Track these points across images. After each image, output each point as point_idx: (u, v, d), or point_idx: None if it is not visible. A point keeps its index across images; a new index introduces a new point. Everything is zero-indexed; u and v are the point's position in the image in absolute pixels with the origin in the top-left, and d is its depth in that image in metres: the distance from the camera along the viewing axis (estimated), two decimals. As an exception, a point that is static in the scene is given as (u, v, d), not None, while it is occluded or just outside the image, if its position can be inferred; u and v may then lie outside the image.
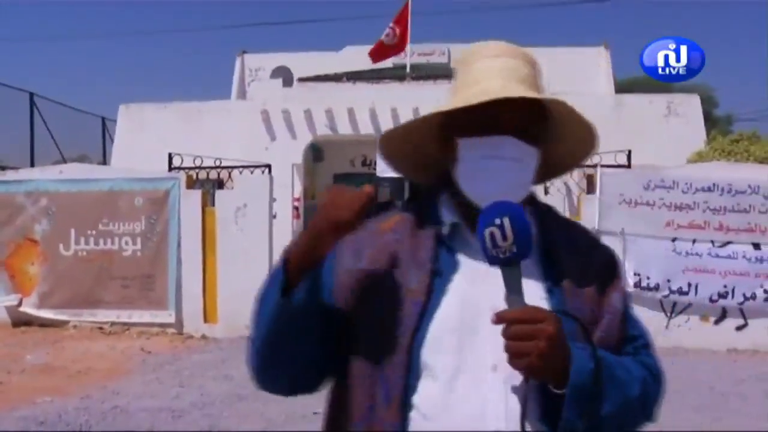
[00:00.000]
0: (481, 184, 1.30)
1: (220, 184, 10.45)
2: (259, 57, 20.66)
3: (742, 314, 8.56)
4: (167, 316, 9.18)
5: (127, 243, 9.33)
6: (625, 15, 72.25)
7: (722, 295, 8.49)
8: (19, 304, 9.55)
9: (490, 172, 1.29)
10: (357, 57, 18.01)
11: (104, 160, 18.40)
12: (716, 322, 8.61)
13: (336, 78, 17.39)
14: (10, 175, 10.23)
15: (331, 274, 1.33)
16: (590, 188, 9.22)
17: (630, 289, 8.46)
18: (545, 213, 1.41)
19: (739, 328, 8.58)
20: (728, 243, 8.50)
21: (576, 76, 17.08)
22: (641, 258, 8.50)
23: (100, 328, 9.32)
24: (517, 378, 1.19)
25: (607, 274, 1.38)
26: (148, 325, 9.26)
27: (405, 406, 1.23)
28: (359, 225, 1.24)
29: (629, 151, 9.14)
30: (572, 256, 1.35)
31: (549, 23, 71.98)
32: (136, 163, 12.28)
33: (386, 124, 13.26)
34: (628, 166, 9.08)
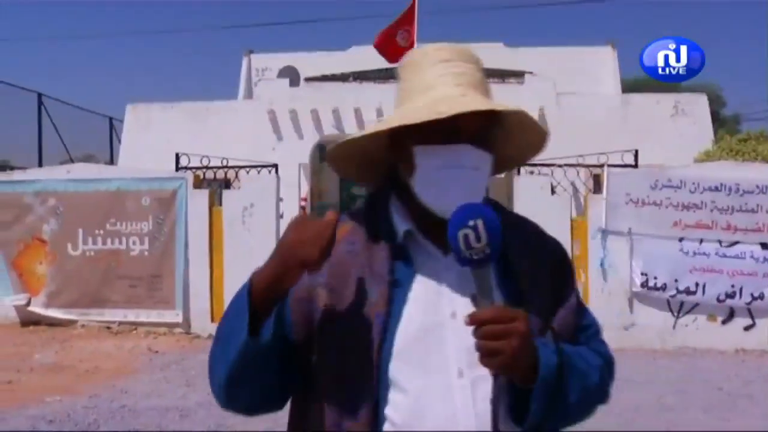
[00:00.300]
0: (440, 193, 1.29)
1: (227, 183, 10.49)
2: (266, 57, 20.64)
3: (750, 314, 8.54)
4: (174, 316, 9.21)
5: (134, 243, 9.37)
6: (632, 14, 72.04)
7: (730, 295, 8.47)
8: (28, 303, 9.61)
9: (449, 181, 1.28)
10: (364, 57, 17.98)
11: (111, 160, 18.45)
12: (724, 322, 8.59)
13: (343, 78, 17.40)
14: (18, 175, 10.28)
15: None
16: (597, 188, 9.22)
17: (637, 289, 8.48)
18: (499, 212, 1.40)
19: (747, 328, 8.56)
20: (736, 243, 8.48)
21: (582, 76, 17.06)
22: (648, 258, 8.49)
23: (108, 328, 9.36)
24: (483, 381, 1.23)
25: (560, 268, 1.42)
26: (156, 325, 9.30)
27: (376, 419, 1.24)
28: (325, 260, 1.22)
29: (636, 151, 9.12)
30: (526, 253, 1.36)
31: (554, 23, 71.80)
32: (143, 162, 12.32)
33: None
34: (635, 165, 9.05)
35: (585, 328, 1.43)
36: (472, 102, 1.27)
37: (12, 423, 5.75)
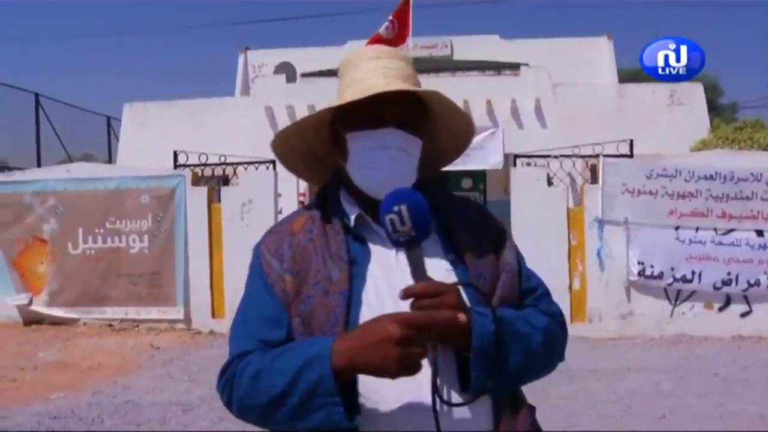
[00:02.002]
0: (370, 173, 1.43)
1: (225, 180, 10.52)
2: (262, 53, 20.66)
3: (747, 301, 8.61)
4: (175, 312, 9.28)
5: (134, 240, 9.43)
6: (628, 6, 71.92)
7: (726, 283, 8.54)
8: (30, 302, 9.68)
9: (377, 161, 1.41)
10: (361, 51, 17.97)
11: (110, 159, 18.48)
12: (720, 310, 8.66)
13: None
14: (17, 175, 10.35)
15: (265, 280, 1.43)
16: (594, 178, 9.27)
17: (634, 278, 8.54)
18: (437, 193, 1.53)
19: (743, 315, 8.63)
20: (731, 230, 8.55)
21: (579, 66, 17.08)
22: (645, 247, 8.55)
23: (110, 325, 9.44)
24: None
25: (499, 238, 1.53)
26: (157, 322, 9.37)
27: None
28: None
29: (631, 141, 9.16)
30: (467, 228, 1.49)
31: (551, 14, 71.68)
32: (142, 161, 12.33)
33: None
34: (631, 155, 9.10)
35: (531, 290, 1.51)
36: (387, 86, 1.39)
37: (17, 420, 5.81)
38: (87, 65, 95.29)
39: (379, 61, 1.48)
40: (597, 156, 8.92)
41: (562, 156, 9.36)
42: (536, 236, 8.72)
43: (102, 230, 9.48)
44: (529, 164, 9.73)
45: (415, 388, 1.28)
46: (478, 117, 13.88)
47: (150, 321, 9.38)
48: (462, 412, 1.32)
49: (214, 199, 9.56)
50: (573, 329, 8.67)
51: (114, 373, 7.38)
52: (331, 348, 1.26)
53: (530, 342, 1.37)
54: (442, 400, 1.28)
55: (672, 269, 8.56)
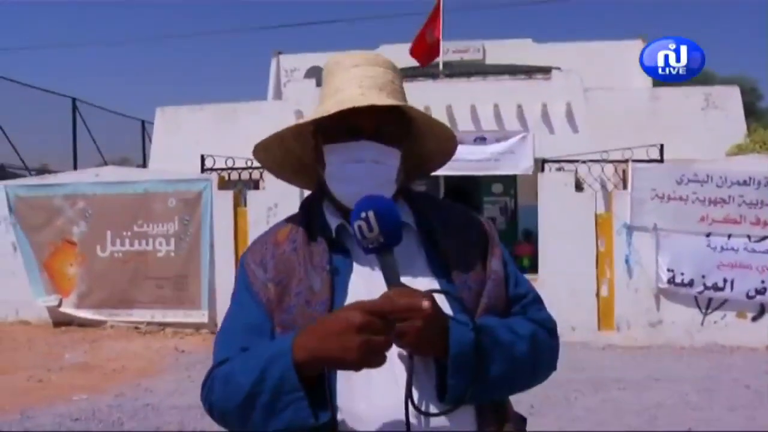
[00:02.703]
0: (345, 186, 1.41)
1: (255, 184, 10.56)
2: (294, 57, 20.75)
3: (781, 311, 8.37)
4: (200, 316, 9.32)
5: (161, 244, 9.51)
6: (664, 6, 70.90)
7: (760, 291, 8.30)
8: (59, 304, 9.81)
9: (351, 174, 1.39)
10: (392, 55, 17.27)
11: (144, 163, 18.72)
12: (754, 319, 8.42)
13: (369, 77, 17.35)
14: (49, 178, 10.52)
15: (250, 289, 1.43)
16: (625, 184, 9.10)
17: (664, 285, 8.35)
18: (421, 201, 1.52)
19: (777, 325, 8.38)
20: (765, 237, 8.31)
21: (613, 70, 16.85)
22: (675, 254, 8.36)
23: (137, 328, 9.52)
24: (416, 361, 1.27)
25: (484, 245, 1.49)
26: (183, 325, 9.42)
27: (325, 399, 1.29)
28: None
29: (661, 146, 8.99)
30: (451, 235, 1.46)
31: (584, 17, 70.95)
32: (173, 164, 12.44)
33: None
34: (661, 160, 8.91)
35: (520, 297, 1.47)
36: (357, 99, 1.37)
37: (39, 420, 5.88)
38: (124, 70, 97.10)
39: (356, 69, 1.45)
40: (626, 161, 8.75)
41: (590, 161, 9.22)
42: (564, 242, 8.63)
43: (129, 233, 9.57)
44: (560, 169, 9.60)
45: (392, 397, 1.26)
46: (509, 121, 13.77)
47: (176, 324, 9.43)
48: (442, 423, 1.28)
49: (240, 203, 9.60)
50: (601, 337, 8.54)
51: (137, 375, 7.43)
52: (293, 342, 1.24)
53: (513, 350, 1.33)
54: (416, 409, 1.24)
55: (703, 277, 8.35)
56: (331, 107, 1.37)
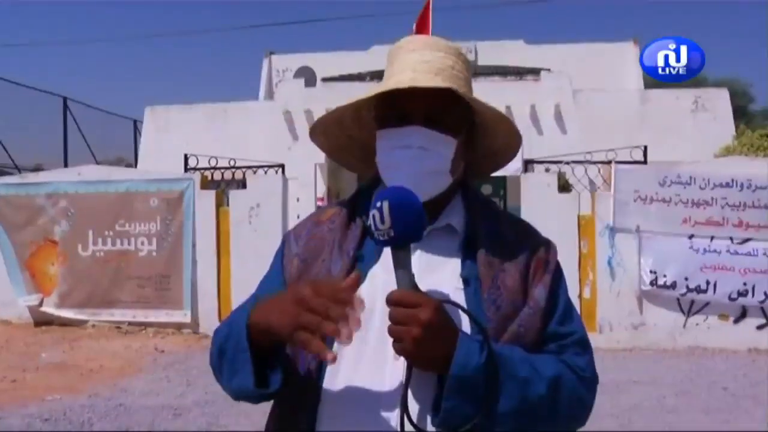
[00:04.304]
0: (393, 173, 1.35)
1: (243, 184, 10.52)
2: (286, 57, 20.72)
3: (764, 313, 8.31)
4: (182, 316, 9.27)
5: (143, 243, 9.45)
6: (657, 8, 70.96)
7: (742, 294, 8.25)
8: (40, 303, 9.75)
9: (398, 160, 1.34)
10: (385, 56, 17.92)
11: (136, 163, 18.69)
12: (736, 321, 8.37)
13: (360, 77, 17.37)
14: (30, 177, 10.46)
15: (281, 261, 1.44)
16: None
17: (646, 287, 8.31)
18: (478, 205, 1.43)
19: (759, 327, 8.33)
20: (748, 240, 8.26)
21: (604, 72, 16.84)
22: (657, 256, 8.31)
23: (118, 328, 9.46)
24: (419, 370, 1.20)
25: (534, 268, 1.37)
26: (164, 325, 9.36)
27: (317, 388, 1.27)
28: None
29: (645, 147, 8.94)
30: (497, 249, 1.35)
31: (576, 18, 71.06)
32: (163, 164, 12.40)
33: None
34: (645, 161, 8.87)
35: (560, 336, 1.34)
36: (413, 82, 1.31)
37: (9, 421, 5.84)
38: (116, 69, 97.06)
39: (413, 54, 1.40)
40: (609, 162, 8.72)
41: (573, 162, 9.18)
42: (546, 243, 8.57)
43: (111, 233, 9.51)
44: (547, 170, 9.56)
45: (384, 405, 1.22)
46: (498, 122, 13.73)
47: (157, 324, 9.37)
48: None
49: (222, 202, 9.55)
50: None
51: (114, 375, 7.37)
52: (255, 304, 1.26)
53: (527, 389, 1.21)
54: (411, 423, 1.17)
55: (686, 279, 8.29)
56: (375, 90, 1.36)
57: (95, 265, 9.55)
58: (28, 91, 16.49)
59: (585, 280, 8.63)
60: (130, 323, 9.44)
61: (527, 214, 8.83)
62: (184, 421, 5.86)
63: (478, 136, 1.44)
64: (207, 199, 9.38)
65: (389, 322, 1.16)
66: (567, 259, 8.54)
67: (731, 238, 8.28)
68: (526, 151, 12.23)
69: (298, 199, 12.82)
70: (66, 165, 15.52)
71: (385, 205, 1.18)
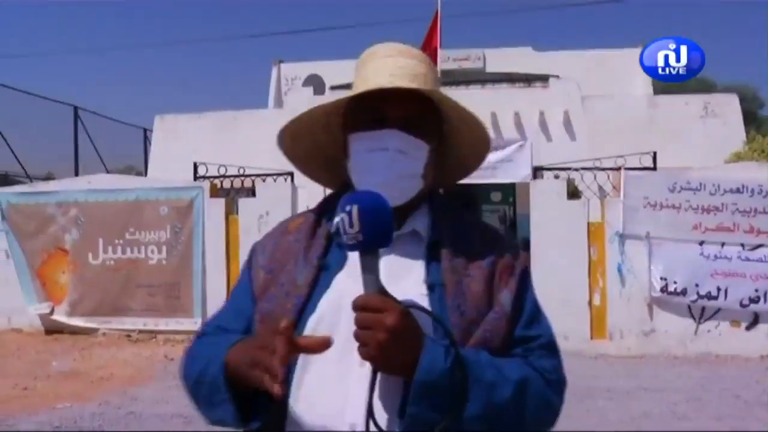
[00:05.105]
0: (367, 177, 1.34)
1: (253, 192, 10.54)
2: (295, 66, 20.81)
3: (776, 320, 8.27)
4: (192, 324, 9.25)
5: (152, 251, 9.49)
6: (665, 14, 70.83)
7: (754, 300, 8.20)
8: (51, 312, 9.80)
9: (374, 163, 1.33)
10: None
11: (145, 171, 18.77)
12: (748, 328, 8.31)
13: (368, 85, 17.37)
14: (41, 186, 10.52)
15: (249, 274, 1.45)
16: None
17: (656, 294, 8.27)
18: (443, 210, 1.43)
19: (772, 334, 8.28)
20: (759, 246, 8.21)
21: (613, 78, 16.82)
22: (668, 262, 8.27)
23: (128, 336, 9.48)
24: (385, 375, 1.19)
25: (500, 273, 1.36)
26: (174, 333, 9.37)
27: (284, 396, 1.24)
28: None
29: (654, 153, 8.91)
30: (462, 254, 1.35)
31: (584, 24, 71.03)
32: (172, 172, 12.45)
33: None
34: (654, 168, 8.84)
35: (527, 339, 1.34)
36: (388, 83, 1.33)
37: (20, 428, 5.86)
38: (125, 78, 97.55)
39: (388, 59, 1.40)
40: (618, 169, 8.69)
41: (583, 169, 9.16)
42: (556, 250, 8.56)
43: (121, 241, 9.56)
44: (557, 177, 9.55)
45: (349, 412, 1.22)
46: (507, 129, 13.74)
47: (167, 332, 9.40)
48: None
49: (232, 210, 9.58)
50: (593, 346, 8.46)
51: (124, 383, 7.39)
52: (230, 347, 1.25)
53: (493, 393, 1.21)
54: (377, 427, 1.17)
55: (696, 285, 8.25)
56: (357, 90, 1.35)
57: (105, 274, 9.59)
58: (39, 100, 16.67)
59: (595, 287, 8.59)
60: (140, 331, 9.47)
61: (536, 222, 8.84)
62: (194, 429, 5.85)
63: (446, 144, 1.45)
64: (216, 207, 9.41)
65: (355, 328, 1.16)
66: (576, 265, 8.53)
67: (742, 245, 8.23)
68: (534, 158, 12.27)
69: (307, 207, 12.82)
70: (77, 174, 15.62)
71: (355, 209, 1.16)
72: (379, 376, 1.18)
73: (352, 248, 1.18)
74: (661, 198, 8.34)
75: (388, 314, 1.13)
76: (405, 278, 1.30)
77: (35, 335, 9.77)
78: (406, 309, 1.17)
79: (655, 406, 6.31)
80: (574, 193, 9.25)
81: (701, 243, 8.28)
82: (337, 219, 1.18)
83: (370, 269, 1.17)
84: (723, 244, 8.25)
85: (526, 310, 1.35)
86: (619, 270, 8.44)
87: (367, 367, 1.18)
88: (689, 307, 8.34)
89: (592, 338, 8.55)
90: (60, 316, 9.76)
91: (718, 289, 8.23)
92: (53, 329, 9.83)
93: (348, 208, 1.16)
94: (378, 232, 1.17)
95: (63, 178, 12.22)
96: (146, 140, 20.18)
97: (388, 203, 1.19)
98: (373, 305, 1.14)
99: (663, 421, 5.90)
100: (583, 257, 8.59)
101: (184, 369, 1.38)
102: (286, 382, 1.22)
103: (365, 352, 1.14)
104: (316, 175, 1.58)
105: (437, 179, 1.47)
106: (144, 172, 18.28)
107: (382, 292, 1.17)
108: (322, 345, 1.15)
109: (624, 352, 8.37)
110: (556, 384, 1.33)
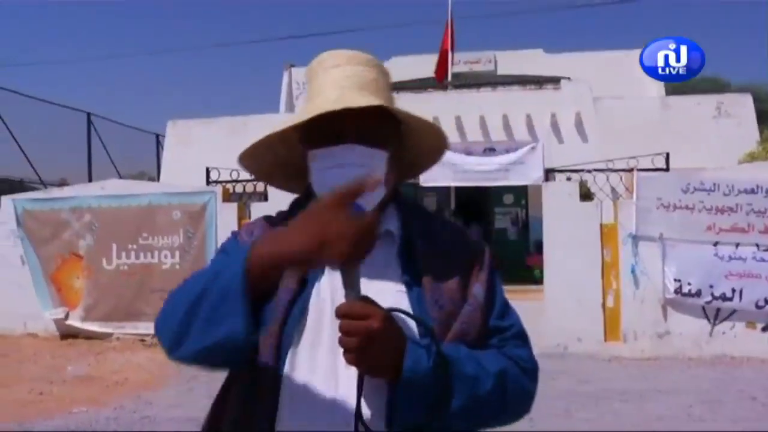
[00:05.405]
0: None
1: (265, 196, 10.57)
2: (306, 70, 20.83)
3: (792, 321, 8.20)
4: (205, 328, 9.30)
5: (166, 256, 9.54)
6: (676, 15, 70.50)
7: (769, 301, 8.15)
8: (66, 317, 9.86)
9: (334, 180, 1.28)
10: (404, 67, 17.98)
11: (158, 176, 18.86)
12: (764, 329, 8.26)
13: (380, 89, 17.40)
14: (55, 192, 10.58)
15: (239, 246, 1.40)
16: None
17: (671, 295, 8.23)
18: (411, 210, 1.45)
19: (788, 336, 8.21)
20: (774, 246, 8.16)
21: (625, 79, 16.73)
22: (681, 263, 8.23)
23: (142, 340, 9.53)
24: (371, 377, 1.21)
25: (470, 267, 1.40)
26: (188, 337, 9.39)
27: (274, 394, 1.26)
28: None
29: (667, 154, 8.88)
30: (433, 251, 1.38)
31: (595, 26, 70.80)
32: (184, 178, 12.48)
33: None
34: (667, 169, 8.80)
35: (501, 330, 1.38)
36: (335, 102, 1.31)
37: (36, 433, 5.90)
38: (138, 84, 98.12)
39: (336, 70, 1.39)
40: (631, 170, 8.66)
41: (595, 170, 9.14)
42: (569, 252, 8.54)
43: (135, 246, 9.62)
44: (569, 179, 9.53)
45: (339, 416, 1.21)
46: (519, 132, 13.71)
47: (181, 336, 9.41)
48: None
49: (244, 215, 9.61)
50: (607, 348, 8.42)
51: (139, 388, 7.43)
52: (251, 247, 1.16)
53: (476, 386, 1.25)
54: (367, 430, 1.18)
55: (710, 287, 8.21)
56: (305, 113, 1.33)
57: (119, 279, 9.65)
58: (52, 107, 16.77)
59: (608, 289, 8.56)
60: (154, 336, 9.43)
61: (549, 224, 8.82)
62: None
63: (404, 143, 1.45)
64: (229, 212, 9.44)
65: (339, 334, 1.17)
66: (590, 267, 8.50)
67: (757, 245, 8.18)
68: (546, 160, 12.21)
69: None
70: (90, 179, 15.69)
71: None
72: (366, 378, 1.20)
73: (332, 265, 1.19)
74: (674, 199, 8.30)
75: (371, 320, 1.15)
76: (383, 277, 1.32)
77: (50, 340, 9.83)
78: (388, 313, 1.19)
79: (670, 409, 6.28)
80: (586, 195, 9.22)
81: (715, 244, 8.23)
82: None
83: (350, 284, 1.18)
84: (737, 245, 8.20)
85: (497, 302, 1.40)
86: (633, 271, 8.41)
87: (354, 369, 1.20)
88: (704, 308, 8.29)
89: (606, 340, 8.52)
90: (75, 321, 9.83)
91: (733, 291, 8.18)
92: (68, 334, 9.90)
93: None
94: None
95: (77, 184, 12.31)
96: (159, 146, 20.29)
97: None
98: (356, 312, 1.15)
99: (678, 424, 5.85)
100: (597, 259, 8.56)
101: (166, 308, 1.28)
102: (276, 383, 1.26)
103: (351, 358, 1.16)
104: (284, 185, 1.58)
105: (399, 178, 1.49)
106: (157, 178, 18.34)
107: (364, 299, 1.18)
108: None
109: (638, 354, 8.33)
110: (531, 372, 1.38)
